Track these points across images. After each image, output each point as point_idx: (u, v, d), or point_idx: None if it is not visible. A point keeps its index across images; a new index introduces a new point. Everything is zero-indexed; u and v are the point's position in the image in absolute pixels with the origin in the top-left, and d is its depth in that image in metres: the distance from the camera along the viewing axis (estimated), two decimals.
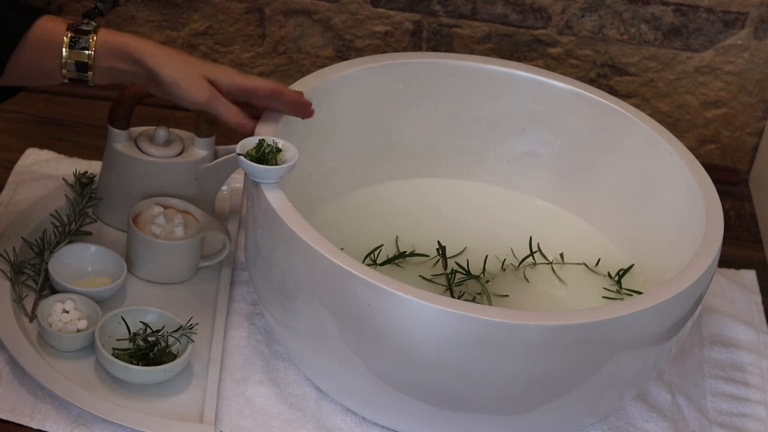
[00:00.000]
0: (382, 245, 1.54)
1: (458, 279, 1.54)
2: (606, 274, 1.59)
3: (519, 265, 1.58)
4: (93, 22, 1.38)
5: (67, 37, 1.36)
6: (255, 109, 1.45)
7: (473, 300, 1.51)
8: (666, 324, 1.35)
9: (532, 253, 1.59)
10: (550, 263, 1.59)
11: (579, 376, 1.33)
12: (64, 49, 1.36)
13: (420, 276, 1.53)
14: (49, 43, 1.36)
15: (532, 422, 1.37)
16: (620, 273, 1.57)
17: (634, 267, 1.58)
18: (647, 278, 1.56)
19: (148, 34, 1.93)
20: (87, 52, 1.36)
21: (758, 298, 1.71)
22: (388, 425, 1.42)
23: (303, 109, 1.45)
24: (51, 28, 1.37)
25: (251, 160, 1.38)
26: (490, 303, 1.51)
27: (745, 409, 1.54)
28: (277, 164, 1.38)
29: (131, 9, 1.92)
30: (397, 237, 1.58)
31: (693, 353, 1.60)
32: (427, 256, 1.56)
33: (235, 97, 1.41)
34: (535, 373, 1.31)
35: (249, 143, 1.39)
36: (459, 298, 1.51)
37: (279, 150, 1.39)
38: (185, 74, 1.37)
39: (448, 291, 1.52)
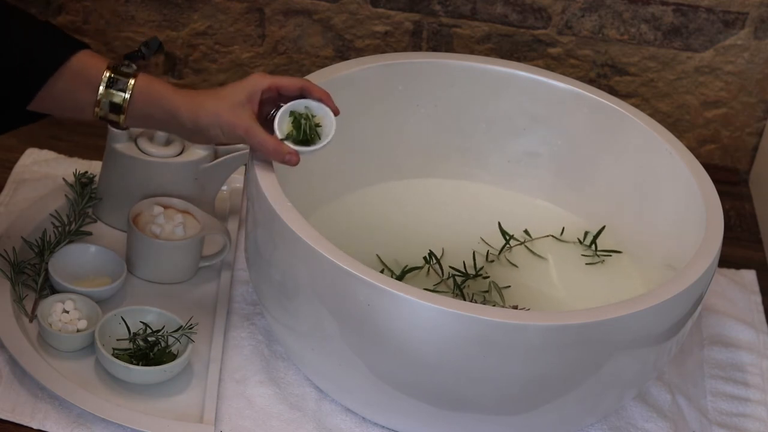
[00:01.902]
0: (382, 270, 1.54)
1: (459, 282, 1.54)
2: (576, 241, 1.61)
3: (500, 253, 1.58)
4: (134, 65, 1.37)
5: (105, 75, 1.35)
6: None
7: (484, 300, 1.51)
8: (666, 324, 1.35)
9: (507, 241, 1.60)
10: (523, 243, 1.61)
11: (579, 376, 1.33)
12: (101, 87, 1.35)
13: (425, 289, 1.52)
14: (87, 78, 1.35)
15: (532, 422, 1.38)
16: (593, 238, 1.61)
17: (605, 229, 1.62)
18: (620, 239, 1.58)
19: (148, 34, 1.93)
20: (123, 95, 1.35)
21: (758, 298, 1.71)
22: (388, 425, 1.42)
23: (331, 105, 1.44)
24: (90, 64, 1.35)
25: (295, 143, 1.38)
26: (501, 298, 1.51)
27: (745, 409, 1.54)
28: (318, 136, 1.38)
29: (131, 9, 1.92)
30: (378, 255, 1.57)
31: (693, 353, 1.60)
32: (420, 268, 1.55)
33: (266, 98, 1.39)
34: (535, 373, 1.31)
35: (284, 124, 1.38)
36: (472, 299, 1.51)
37: (317, 124, 1.39)
38: (220, 117, 1.36)
39: (460, 296, 1.51)
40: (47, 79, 1.34)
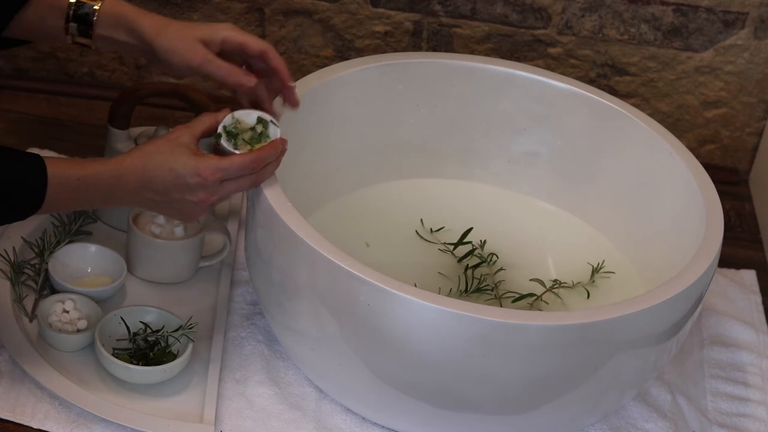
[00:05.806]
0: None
1: (475, 286, 1.54)
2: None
3: (463, 259, 1.58)
4: None
5: (72, 1, 1.39)
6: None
7: (520, 298, 1.52)
8: (666, 324, 1.35)
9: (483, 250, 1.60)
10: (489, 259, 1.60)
11: (579, 376, 1.33)
12: (69, 14, 1.39)
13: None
14: (55, 5, 1.39)
15: (532, 422, 1.38)
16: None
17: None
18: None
19: None
20: (89, 18, 1.39)
21: (758, 298, 1.71)
22: (388, 425, 1.42)
23: (288, 89, 1.43)
24: None
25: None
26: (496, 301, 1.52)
27: (745, 409, 1.54)
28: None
29: None
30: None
31: (693, 353, 1.60)
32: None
33: (230, 52, 1.40)
34: (535, 373, 1.31)
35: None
36: (501, 297, 1.52)
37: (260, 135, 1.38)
38: (180, 41, 1.38)
39: (496, 301, 1.53)
40: (18, 10, 1.38)
